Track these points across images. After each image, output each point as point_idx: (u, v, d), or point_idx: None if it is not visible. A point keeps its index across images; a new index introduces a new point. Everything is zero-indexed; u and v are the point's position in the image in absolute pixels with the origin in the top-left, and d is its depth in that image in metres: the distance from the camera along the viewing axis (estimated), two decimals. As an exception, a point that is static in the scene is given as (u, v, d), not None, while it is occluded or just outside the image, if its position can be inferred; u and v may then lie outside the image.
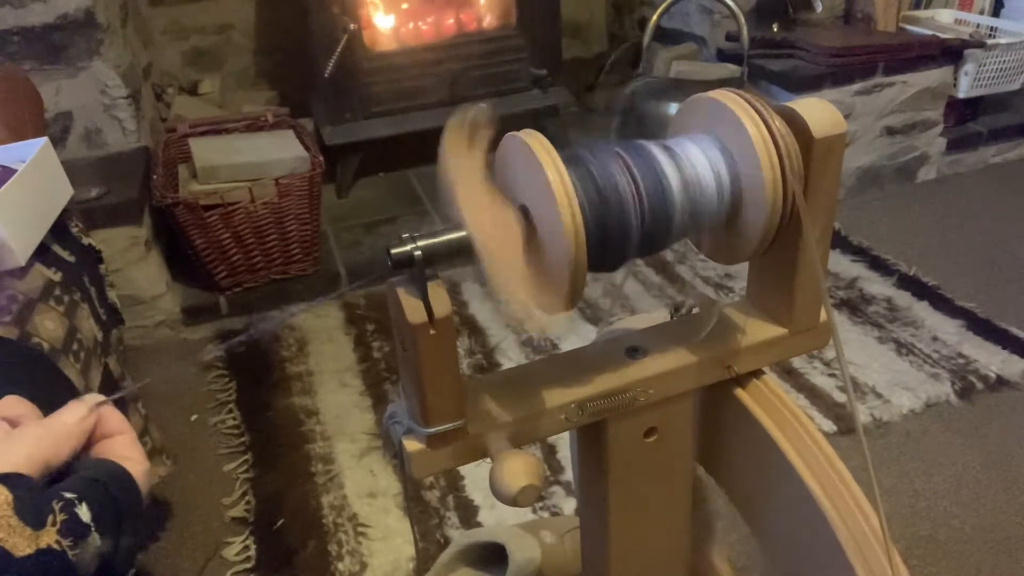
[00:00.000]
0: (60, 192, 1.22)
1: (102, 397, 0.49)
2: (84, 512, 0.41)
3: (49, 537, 0.39)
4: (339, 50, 2.13)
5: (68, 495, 0.41)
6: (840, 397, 1.52)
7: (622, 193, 0.48)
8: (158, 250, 1.85)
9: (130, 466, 0.46)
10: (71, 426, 0.46)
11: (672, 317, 0.63)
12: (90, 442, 0.47)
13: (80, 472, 0.45)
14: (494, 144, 0.49)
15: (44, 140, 1.19)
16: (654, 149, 0.50)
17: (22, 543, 0.38)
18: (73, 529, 0.40)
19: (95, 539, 0.41)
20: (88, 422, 0.47)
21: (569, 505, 1.32)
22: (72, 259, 1.20)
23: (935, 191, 2.35)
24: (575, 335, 1.74)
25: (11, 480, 0.40)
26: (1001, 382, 1.56)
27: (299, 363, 1.74)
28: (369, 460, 1.46)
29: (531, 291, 0.46)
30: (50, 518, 0.39)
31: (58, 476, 0.44)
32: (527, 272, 0.47)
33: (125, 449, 0.47)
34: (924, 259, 1.98)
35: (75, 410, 0.47)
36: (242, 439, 1.53)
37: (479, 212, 0.47)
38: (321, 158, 1.88)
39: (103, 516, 0.42)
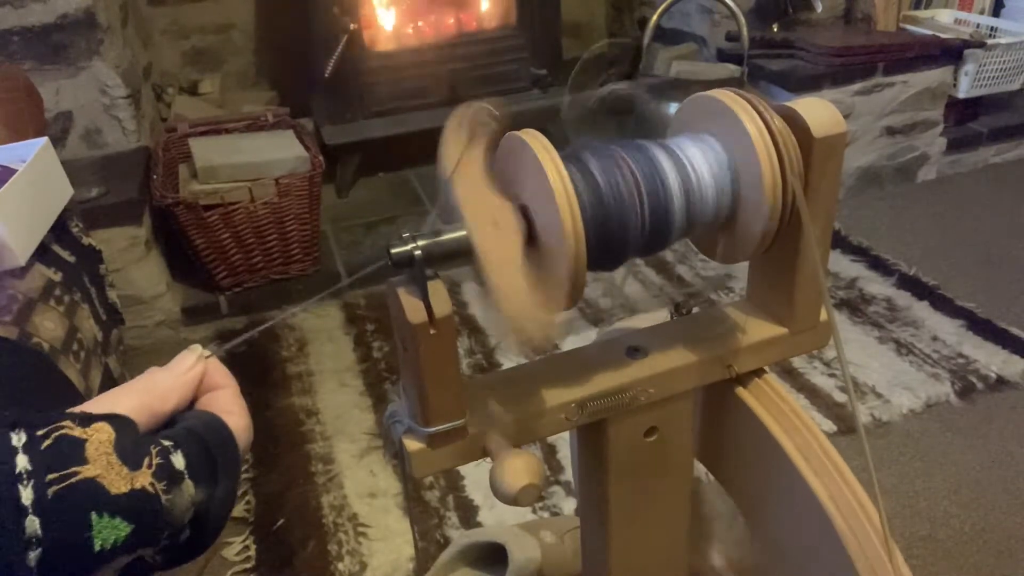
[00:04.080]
0: (60, 192, 1.22)
1: (207, 351, 0.49)
2: (179, 459, 0.42)
3: (144, 478, 0.39)
4: (339, 50, 2.13)
5: (165, 442, 0.42)
6: (840, 397, 1.52)
7: (622, 193, 0.48)
8: (158, 250, 1.85)
9: (231, 420, 0.47)
10: (178, 376, 0.47)
11: (672, 317, 0.63)
12: (196, 395, 0.48)
13: (181, 422, 0.45)
14: (495, 142, 0.49)
15: (44, 140, 1.19)
16: (654, 149, 0.50)
17: (118, 481, 0.38)
18: (167, 473, 0.41)
19: (188, 486, 0.42)
20: (194, 373, 0.47)
21: (569, 505, 1.32)
22: (72, 259, 1.20)
23: (935, 191, 2.35)
24: (575, 335, 1.74)
25: (117, 420, 0.41)
26: (1001, 382, 1.56)
27: (299, 363, 1.74)
28: (369, 460, 1.46)
29: (530, 291, 0.46)
30: (146, 460, 0.40)
31: (164, 426, 0.45)
32: (526, 274, 0.47)
33: (228, 403, 0.48)
34: (924, 259, 1.98)
35: (183, 361, 0.48)
36: (242, 439, 1.53)
37: (479, 212, 0.47)
38: (321, 158, 1.88)
39: (197, 465, 0.43)
